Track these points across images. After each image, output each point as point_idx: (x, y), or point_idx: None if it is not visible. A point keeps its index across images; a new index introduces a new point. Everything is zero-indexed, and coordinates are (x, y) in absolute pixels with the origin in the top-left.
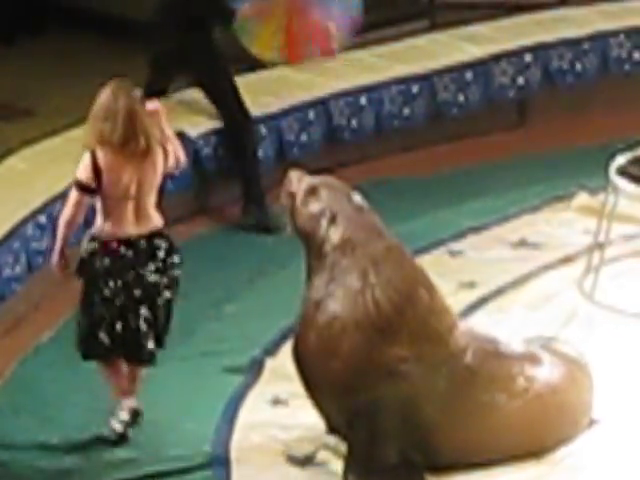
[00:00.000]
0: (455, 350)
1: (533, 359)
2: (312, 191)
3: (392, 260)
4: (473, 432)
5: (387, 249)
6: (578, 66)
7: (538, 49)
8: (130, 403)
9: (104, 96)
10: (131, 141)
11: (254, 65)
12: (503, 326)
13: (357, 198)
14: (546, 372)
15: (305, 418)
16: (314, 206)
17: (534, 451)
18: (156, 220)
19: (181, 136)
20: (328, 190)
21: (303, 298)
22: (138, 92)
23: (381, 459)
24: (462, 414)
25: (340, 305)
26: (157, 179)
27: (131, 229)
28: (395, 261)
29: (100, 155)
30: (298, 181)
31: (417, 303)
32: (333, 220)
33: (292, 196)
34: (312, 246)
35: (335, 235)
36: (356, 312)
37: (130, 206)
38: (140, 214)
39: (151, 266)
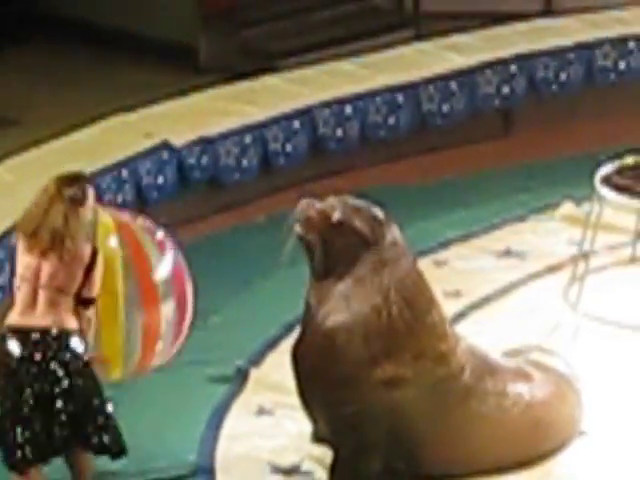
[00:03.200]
0: (455, 370)
1: (524, 375)
2: (355, 210)
3: (413, 280)
4: (462, 445)
5: (410, 269)
6: (563, 76)
7: (523, 59)
8: None
9: (45, 184)
10: (38, 234)
11: (239, 74)
12: (488, 335)
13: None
14: (536, 388)
15: (290, 428)
16: (358, 222)
17: (523, 463)
18: (48, 320)
19: (165, 145)
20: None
21: (308, 303)
22: (77, 193)
23: (366, 469)
24: (453, 428)
25: (352, 315)
26: (63, 284)
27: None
28: (415, 282)
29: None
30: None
31: (428, 325)
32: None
33: (322, 214)
34: (333, 255)
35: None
36: (368, 325)
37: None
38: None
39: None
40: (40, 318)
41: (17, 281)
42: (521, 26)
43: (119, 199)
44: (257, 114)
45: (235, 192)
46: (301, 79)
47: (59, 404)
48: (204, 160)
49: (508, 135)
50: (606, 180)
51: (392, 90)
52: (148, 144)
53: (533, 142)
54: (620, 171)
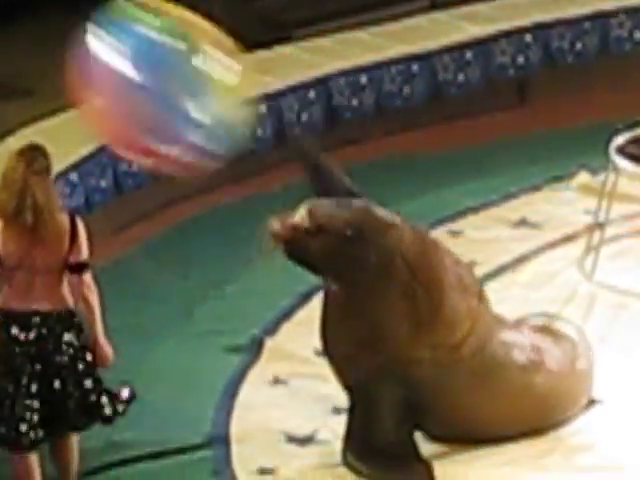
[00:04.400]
0: (468, 353)
1: (538, 345)
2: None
3: (423, 254)
4: (476, 411)
5: (420, 244)
6: (578, 45)
7: (538, 28)
8: None
9: (7, 164)
10: (21, 214)
11: (254, 44)
12: (503, 305)
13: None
14: (548, 357)
15: (305, 398)
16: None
17: (536, 431)
18: (47, 302)
19: None
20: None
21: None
22: (44, 162)
23: (379, 436)
24: (466, 402)
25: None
26: (54, 260)
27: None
28: (426, 256)
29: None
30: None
31: (445, 315)
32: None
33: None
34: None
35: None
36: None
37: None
38: (30, 290)
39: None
40: (39, 302)
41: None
42: None
43: (134, 169)
44: (272, 83)
45: (250, 161)
46: (316, 48)
47: (59, 384)
48: None
49: (523, 105)
50: (621, 149)
51: (407, 59)
52: None
53: (548, 112)
54: (635, 140)
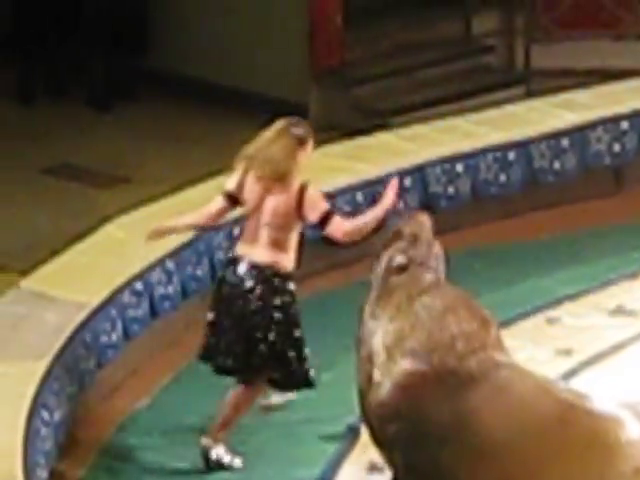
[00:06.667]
0: None
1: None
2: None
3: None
4: None
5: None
6: None
7: (634, 116)
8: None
9: (270, 130)
10: (254, 159)
11: (350, 132)
12: (599, 393)
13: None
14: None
15: None
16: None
17: None
18: (275, 256)
19: None
20: None
21: None
22: (305, 133)
23: None
24: None
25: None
26: (287, 217)
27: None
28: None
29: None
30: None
31: None
32: None
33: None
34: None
35: None
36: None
37: (258, 231)
38: (263, 242)
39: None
40: (261, 254)
41: (245, 209)
42: (632, 83)
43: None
44: (369, 171)
45: (350, 248)
46: (412, 136)
47: (262, 334)
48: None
49: (620, 192)
50: None
51: (503, 147)
52: None
53: None
54: None
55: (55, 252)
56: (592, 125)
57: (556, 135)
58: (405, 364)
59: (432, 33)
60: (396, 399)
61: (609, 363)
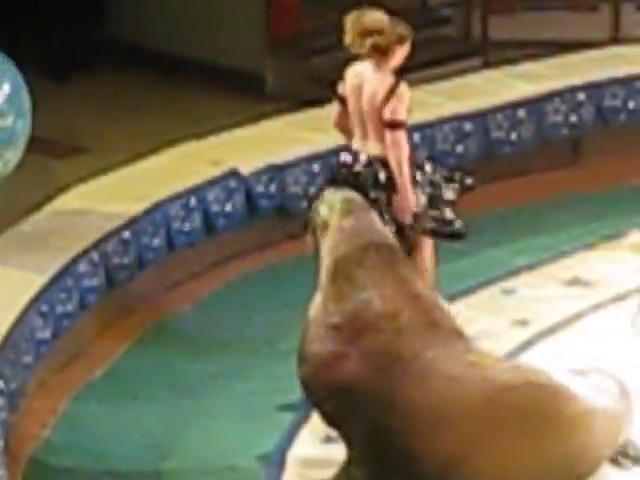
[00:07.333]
0: None
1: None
2: None
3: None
4: None
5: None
6: (631, 104)
7: (591, 87)
8: None
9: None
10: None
11: (307, 102)
12: (555, 364)
13: None
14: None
15: None
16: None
17: None
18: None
19: (234, 173)
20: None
21: None
22: (406, 33)
23: None
24: None
25: None
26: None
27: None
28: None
29: None
30: None
31: None
32: None
33: None
34: None
35: None
36: None
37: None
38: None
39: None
40: (374, 147)
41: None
42: (589, 54)
43: (187, 227)
44: (326, 141)
45: (303, 220)
46: None
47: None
48: (272, 188)
49: (576, 164)
50: None
51: (460, 118)
52: (216, 172)
53: (601, 171)
54: None
55: (12, 222)
56: (549, 96)
57: (513, 106)
58: (329, 344)
59: (389, 3)
60: (320, 379)
61: (565, 334)
